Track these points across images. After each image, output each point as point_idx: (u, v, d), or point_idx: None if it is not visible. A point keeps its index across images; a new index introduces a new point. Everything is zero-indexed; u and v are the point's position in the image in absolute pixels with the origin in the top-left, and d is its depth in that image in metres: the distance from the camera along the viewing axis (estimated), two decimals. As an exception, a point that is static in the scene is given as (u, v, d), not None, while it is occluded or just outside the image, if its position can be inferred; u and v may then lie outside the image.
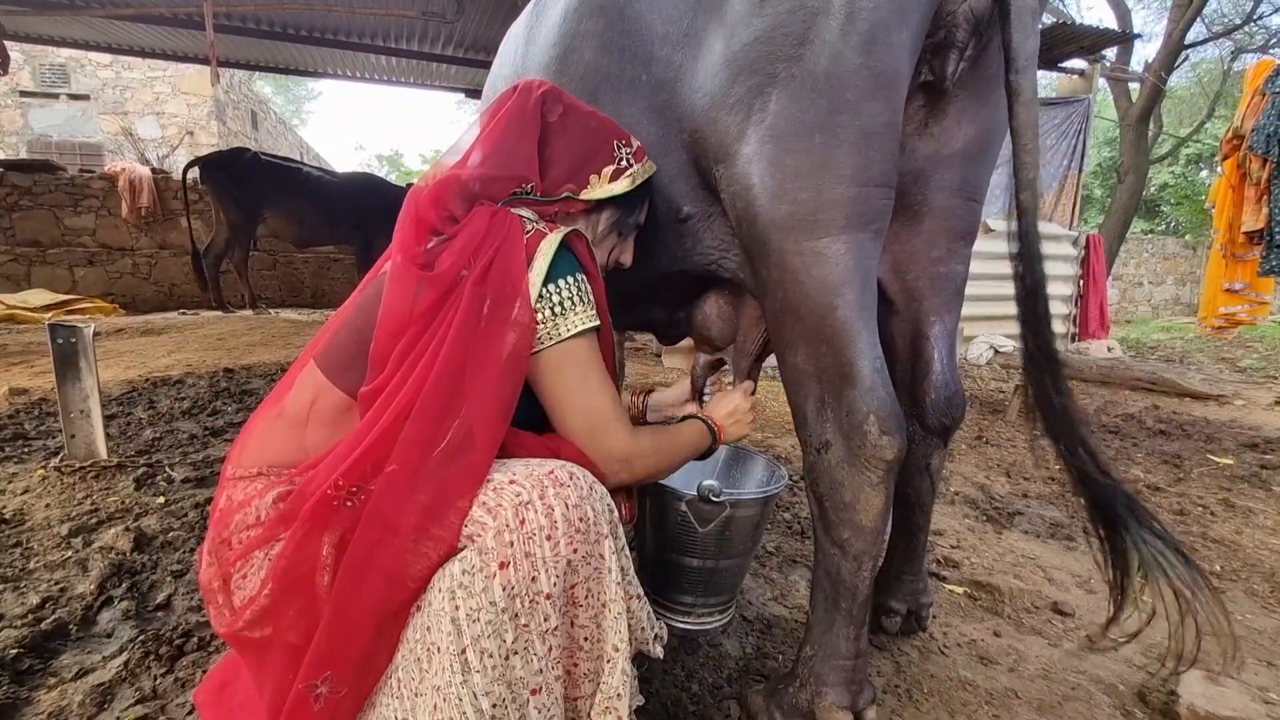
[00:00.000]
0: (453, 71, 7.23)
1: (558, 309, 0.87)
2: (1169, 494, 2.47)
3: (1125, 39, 7.12)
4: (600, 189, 1.00)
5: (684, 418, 1.12)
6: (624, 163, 1.02)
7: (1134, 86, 8.79)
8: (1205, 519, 2.22)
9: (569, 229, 0.91)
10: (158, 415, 2.83)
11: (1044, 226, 5.86)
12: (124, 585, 1.45)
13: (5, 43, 5.11)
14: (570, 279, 0.88)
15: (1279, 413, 3.90)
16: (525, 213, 0.93)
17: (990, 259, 5.93)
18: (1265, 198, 3.59)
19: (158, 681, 1.16)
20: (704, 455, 1.11)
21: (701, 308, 1.34)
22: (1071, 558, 1.89)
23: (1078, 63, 6.68)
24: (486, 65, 1.86)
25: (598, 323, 0.91)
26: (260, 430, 0.90)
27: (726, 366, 1.37)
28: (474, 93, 7.85)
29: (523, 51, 1.47)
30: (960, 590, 1.65)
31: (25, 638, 1.24)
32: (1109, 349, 6.15)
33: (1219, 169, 4.10)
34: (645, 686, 1.18)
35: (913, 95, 1.04)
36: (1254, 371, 5.54)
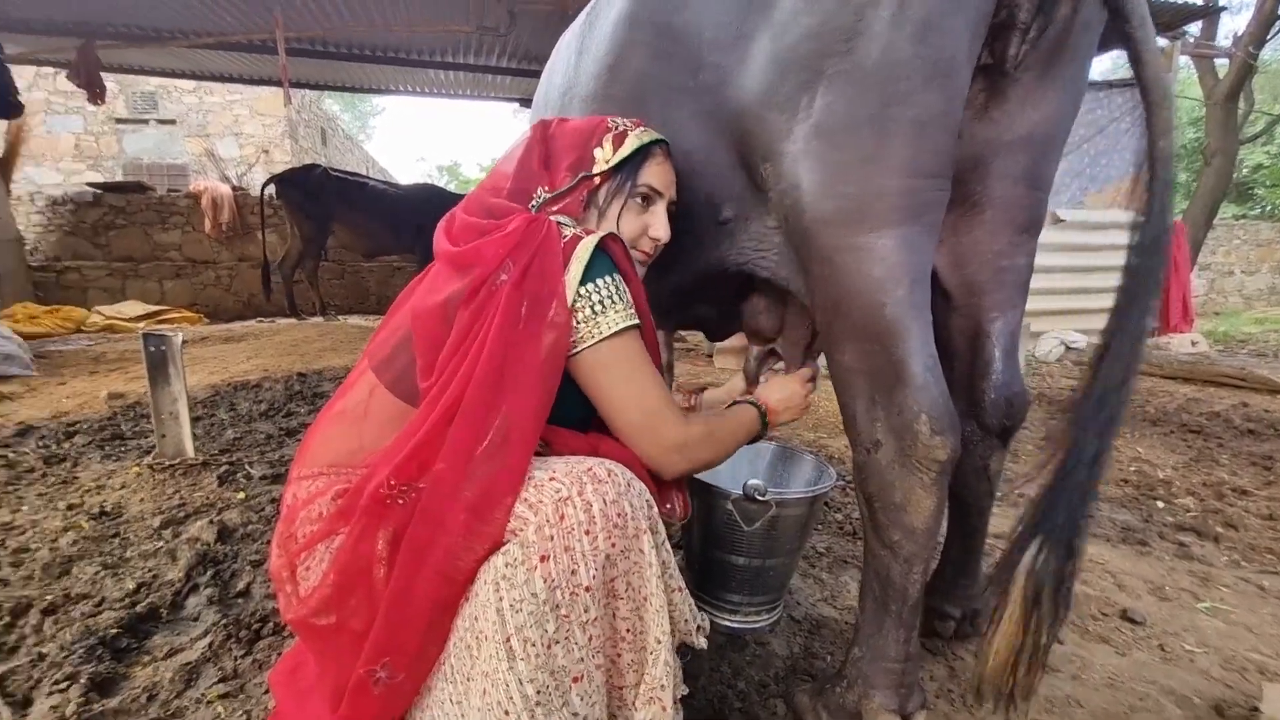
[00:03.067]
0: (507, 82, 7.42)
1: (595, 308, 0.89)
2: (1257, 498, 2.30)
3: (1209, 12, 6.66)
4: (609, 158, 1.03)
5: (734, 403, 1.12)
6: (621, 128, 1.06)
7: (1221, 63, 8.18)
8: (1301, 525, 2.06)
9: (604, 233, 0.94)
10: (238, 417, 3.03)
11: (1118, 214, 5.54)
12: (208, 573, 1.56)
13: (101, 74, 5.56)
14: (606, 279, 0.91)
15: (1392, 411, 3.56)
16: (563, 219, 0.97)
17: (1061, 250, 5.67)
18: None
19: (237, 662, 1.25)
20: (756, 438, 1.11)
21: (750, 301, 1.34)
22: (1145, 563, 1.79)
23: (1157, 40, 6.29)
24: (538, 75, 1.91)
25: (636, 321, 0.93)
26: (322, 431, 0.96)
27: (779, 364, 1.37)
28: (527, 102, 8.02)
29: (574, 61, 1.50)
30: (1022, 596, 1.59)
31: (123, 619, 1.35)
32: (1193, 343, 5.75)
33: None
34: (691, 683, 1.19)
35: (972, 79, 0.99)
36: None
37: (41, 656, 1.24)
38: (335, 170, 7.49)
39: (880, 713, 0.98)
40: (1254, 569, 1.80)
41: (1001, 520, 2.05)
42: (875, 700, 0.99)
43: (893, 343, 0.95)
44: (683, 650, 1.18)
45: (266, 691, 1.16)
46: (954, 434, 0.95)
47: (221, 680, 1.21)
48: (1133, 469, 2.61)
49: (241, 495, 2.06)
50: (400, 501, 0.81)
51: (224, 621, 1.37)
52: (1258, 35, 7.66)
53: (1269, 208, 16.02)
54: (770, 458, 1.51)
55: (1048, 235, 5.72)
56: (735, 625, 1.32)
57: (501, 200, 1.00)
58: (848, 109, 0.93)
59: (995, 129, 1.07)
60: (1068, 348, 5.38)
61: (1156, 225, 0.95)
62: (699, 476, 1.22)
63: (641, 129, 1.07)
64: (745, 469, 1.47)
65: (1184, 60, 7.74)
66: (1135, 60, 0.93)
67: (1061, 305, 5.58)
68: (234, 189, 8.38)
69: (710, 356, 4.82)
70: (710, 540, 1.29)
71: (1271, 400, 3.82)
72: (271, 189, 6.93)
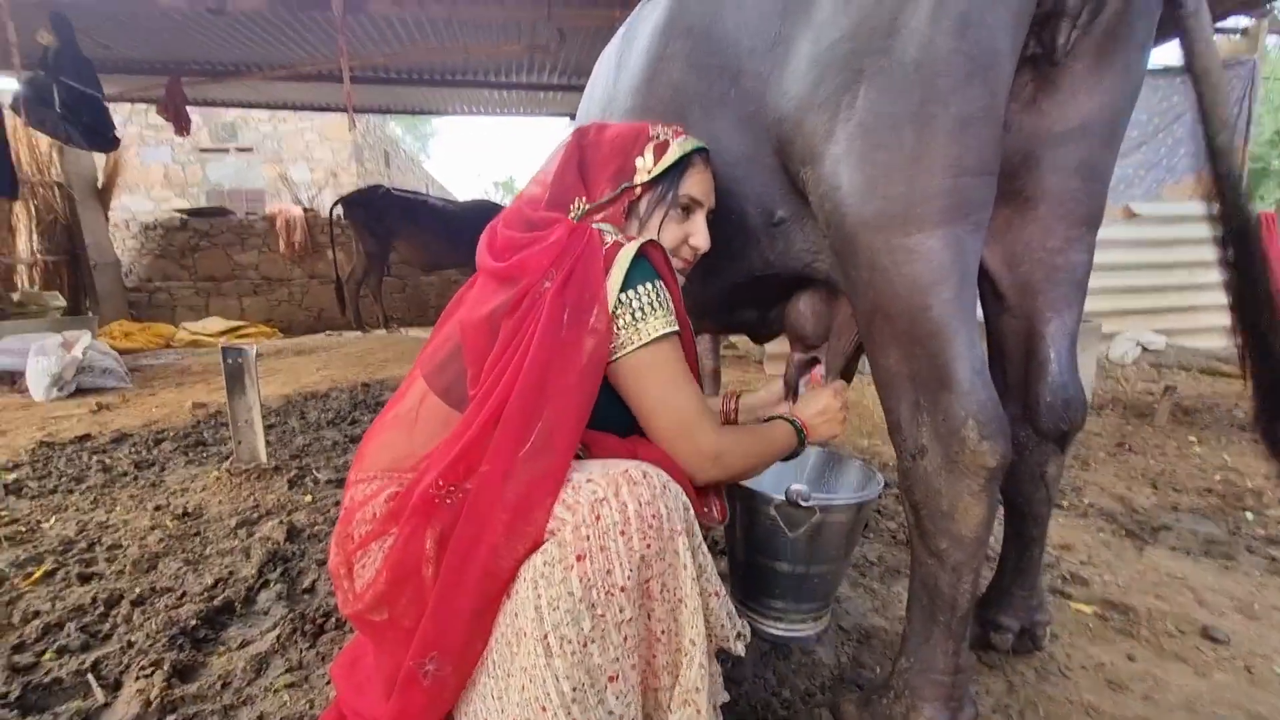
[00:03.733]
0: (558, 98, 7.58)
1: (636, 314, 0.91)
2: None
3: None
4: (651, 169, 1.04)
5: (772, 418, 1.12)
6: (662, 137, 1.07)
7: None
8: None
9: (645, 240, 0.96)
10: (307, 425, 3.19)
11: (1196, 207, 5.19)
12: (278, 570, 1.66)
13: (187, 108, 6.00)
14: (647, 285, 0.93)
15: None
16: (605, 226, 0.99)
17: (1136, 246, 5.35)
18: None
19: (303, 654, 1.33)
20: (792, 455, 1.10)
21: (795, 306, 1.33)
22: (1230, 579, 1.67)
23: (1239, 20, 5.87)
24: (586, 89, 1.96)
25: (676, 328, 0.94)
26: (377, 437, 1.02)
27: (822, 366, 1.36)
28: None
29: (614, 76, 1.54)
30: (1089, 609, 1.51)
31: (202, 611, 1.45)
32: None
33: None
34: (734, 689, 1.19)
35: (1019, 70, 0.96)
36: None
37: (130, 644, 1.35)
38: (397, 190, 7.83)
39: (926, 724, 0.95)
40: (1359, 587, 1.65)
41: (1066, 529, 1.96)
42: (923, 713, 0.96)
43: (938, 346, 0.92)
44: (724, 657, 1.19)
45: (328, 682, 1.23)
46: (1003, 439, 0.92)
47: (288, 670, 1.28)
48: (1218, 478, 2.44)
49: (309, 498, 2.18)
50: (448, 502, 0.85)
51: (291, 616, 1.45)
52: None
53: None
54: (817, 463, 1.49)
55: (1122, 231, 5.42)
56: (780, 633, 1.31)
57: (541, 212, 1.02)
58: (889, 108, 0.92)
59: (1046, 120, 1.03)
60: (1144, 349, 5.06)
61: (1240, 217, 0.90)
62: (743, 483, 1.22)
63: (683, 137, 1.08)
64: (790, 474, 1.45)
65: (1273, 41, 7.19)
66: (1188, 50, 0.89)
67: (1137, 305, 5.25)
68: (305, 211, 8.87)
69: (760, 363, 4.77)
70: (753, 546, 1.29)
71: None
72: (339, 210, 7.30)
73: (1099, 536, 1.93)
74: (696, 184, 1.09)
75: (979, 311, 1.04)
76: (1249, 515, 2.10)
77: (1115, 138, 1.08)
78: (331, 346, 6.19)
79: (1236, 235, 0.94)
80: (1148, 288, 5.27)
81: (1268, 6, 5.45)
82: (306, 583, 1.62)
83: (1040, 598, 1.26)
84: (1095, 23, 0.95)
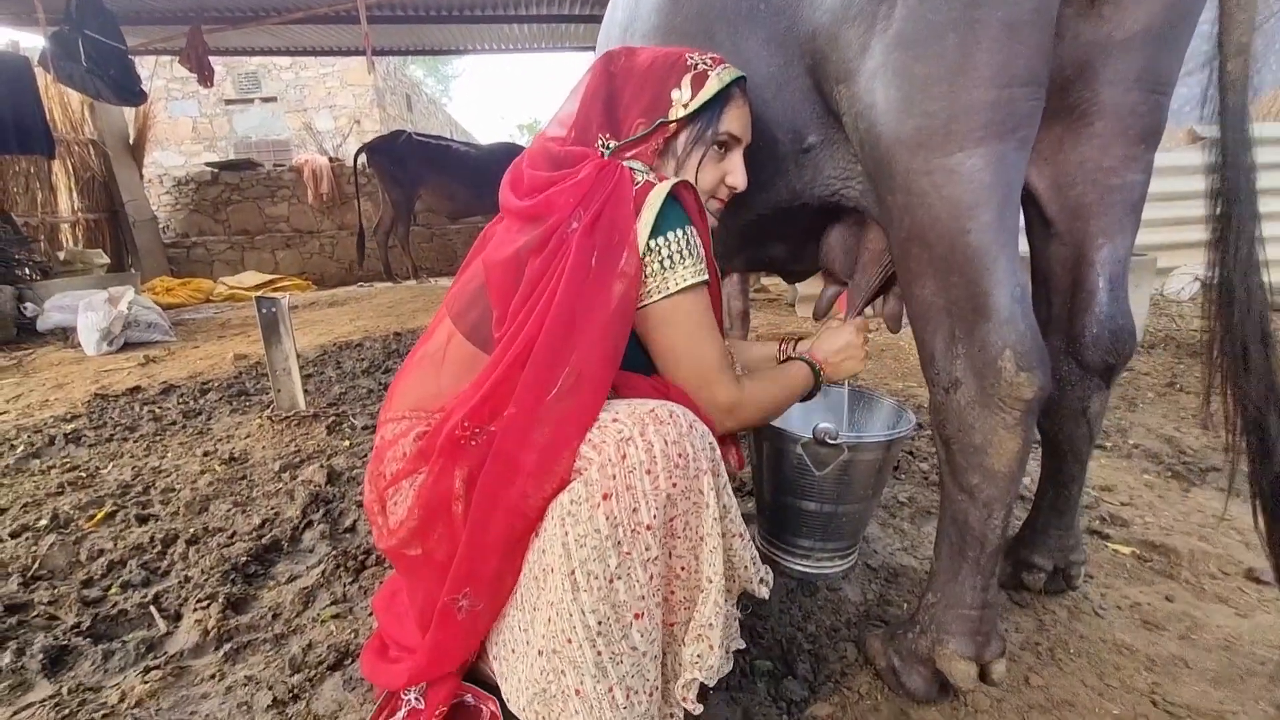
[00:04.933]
0: (580, 31, 7.31)
1: (666, 263, 0.88)
2: None
3: None
4: (688, 103, 0.97)
5: (787, 358, 1.09)
6: (701, 67, 0.98)
7: None
8: None
9: (677, 180, 0.91)
10: (343, 373, 3.27)
11: (1270, 129, 4.78)
12: (320, 511, 1.73)
13: (209, 57, 5.96)
14: (679, 231, 0.89)
15: None
16: (635, 164, 0.95)
17: (1195, 174, 4.99)
18: None
19: (346, 588, 1.39)
20: (809, 395, 1.08)
21: (825, 240, 1.28)
22: (1280, 519, 1.61)
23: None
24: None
25: (706, 277, 0.91)
26: (406, 377, 1.02)
27: (840, 315, 1.32)
28: (600, 51, 7.88)
29: None
30: (1127, 550, 1.48)
31: (252, 549, 1.53)
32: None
33: None
34: (761, 624, 1.21)
35: None
36: None
37: (187, 579, 1.43)
38: (419, 135, 7.73)
39: (954, 659, 0.95)
40: None
41: (1108, 470, 1.91)
42: (949, 646, 0.96)
43: (977, 273, 0.88)
44: (746, 603, 1.20)
45: (371, 614, 1.28)
46: (1043, 370, 0.88)
47: (333, 603, 1.35)
48: (1232, 435, 2.33)
49: (347, 443, 2.24)
50: (474, 443, 0.85)
51: (334, 553, 1.52)
52: None
53: None
54: (847, 401, 1.47)
55: (1182, 157, 5.06)
56: (807, 570, 1.31)
57: (569, 148, 0.97)
58: (930, 15, 0.85)
59: (1105, 26, 0.94)
60: (1204, 284, 4.80)
61: (1234, 155, 0.87)
62: (771, 421, 1.21)
63: (722, 67, 1.00)
64: (819, 413, 1.43)
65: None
66: None
67: (1195, 237, 4.95)
68: (331, 160, 8.85)
69: (793, 305, 4.69)
70: (780, 485, 1.28)
71: None
72: (363, 158, 7.26)
73: (1142, 479, 1.88)
74: (736, 119, 1.02)
75: (1022, 239, 0.98)
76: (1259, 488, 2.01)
77: (1182, 41, 0.98)
78: (363, 297, 6.28)
79: (1227, 191, 0.87)
80: (1207, 218, 4.96)
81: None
82: (348, 522, 1.69)
83: (1076, 538, 1.24)
84: None
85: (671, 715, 0.89)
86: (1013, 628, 1.21)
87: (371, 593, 1.36)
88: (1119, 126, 0.98)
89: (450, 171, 7.23)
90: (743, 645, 0.95)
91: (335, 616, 1.30)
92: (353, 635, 1.24)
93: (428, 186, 7.36)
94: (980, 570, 0.96)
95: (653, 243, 0.88)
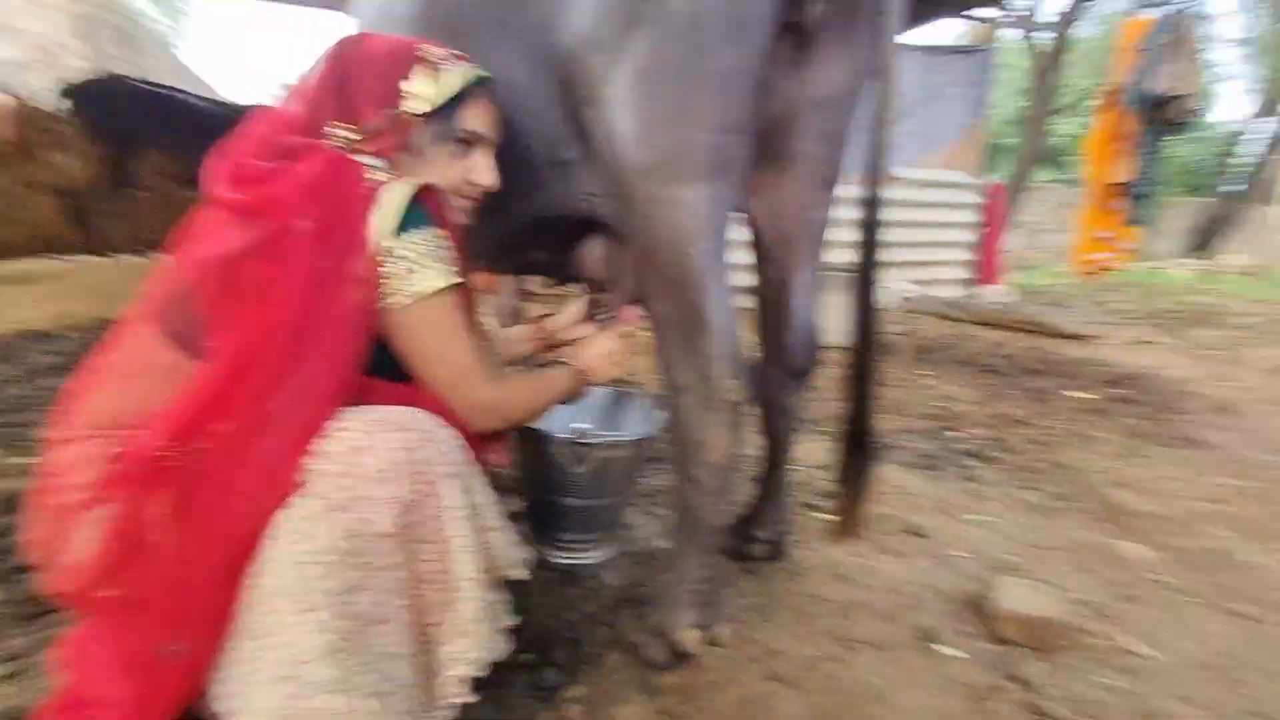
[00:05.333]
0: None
1: (412, 266, 0.86)
2: (1031, 426, 2.73)
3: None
4: (427, 97, 0.95)
5: (552, 363, 1.15)
6: (433, 61, 0.96)
7: (1039, 37, 9.10)
8: (1056, 447, 2.48)
9: (417, 180, 0.90)
10: (23, 372, 2.63)
11: (946, 175, 6.09)
12: (-18, 549, 1.38)
13: None
14: (422, 233, 0.87)
15: (1134, 351, 4.33)
16: (372, 160, 0.91)
17: (900, 207, 6.17)
18: (1131, 152, 3.88)
19: (16, 642, 1.14)
20: (572, 399, 1.14)
21: (586, 249, 1.35)
22: (935, 484, 2.08)
23: (989, 11, 6.86)
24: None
25: (454, 280, 0.90)
26: (87, 390, 0.87)
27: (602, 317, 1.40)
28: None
29: None
30: (829, 518, 1.80)
31: None
32: (1005, 293, 6.57)
33: (1092, 123, 4.38)
34: (525, 616, 1.24)
35: (782, 36, 1.04)
36: (1122, 314, 6.08)
37: None
38: (146, 83, 6.42)
39: (681, 627, 1.09)
40: (1018, 485, 2.15)
41: (821, 451, 2.29)
42: (679, 616, 1.10)
43: (696, 292, 1.01)
44: (516, 586, 1.23)
45: (54, 670, 1.07)
46: (745, 378, 1.05)
47: (4, 661, 1.10)
48: (937, 405, 2.99)
49: (26, 461, 1.82)
50: (182, 464, 0.76)
51: (2, 600, 1.23)
52: (1068, 15, 8.57)
53: (1074, 174, 18.41)
54: (604, 401, 1.57)
55: (890, 192, 6.21)
56: (569, 562, 1.39)
57: (295, 137, 0.90)
58: (663, 57, 0.95)
59: (803, 87, 1.14)
60: (905, 298, 5.96)
61: (868, 208, 1.10)
62: (531, 424, 1.25)
63: (463, 65, 0.99)
64: (577, 413, 1.51)
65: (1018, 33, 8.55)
66: (873, 41, 1.02)
67: (897, 258, 6.13)
68: (13, 99, 6.96)
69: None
70: (542, 484, 1.34)
71: (1054, 343, 4.49)
72: (66, 103, 5.84)
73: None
74: (478, 117, 1.01)
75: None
76: (954, 434, 2.61)
77: (855, 107, 1.22)
78: (60, 274, 5.09)
79: (866, 224, 1.14)
80: (908, 242, 6.16)
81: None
82: (16, 562, 1.37)
83: (784, 511, 1.48)
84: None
85: (438, 708, 0.88)
86: (741, 593, 1.41)
87: (52, 643, 1.13)
88: (811, 171, 1.20)
89: (183, 130, 6.09)
90: (517, 620, 0.97)
91: (9, 676, 1.07)
92: (31, 698, 1.02)
93: (159, 147, 6.16)
94: (704, 548, 1.11)
95: (393, 245, 0.85)
